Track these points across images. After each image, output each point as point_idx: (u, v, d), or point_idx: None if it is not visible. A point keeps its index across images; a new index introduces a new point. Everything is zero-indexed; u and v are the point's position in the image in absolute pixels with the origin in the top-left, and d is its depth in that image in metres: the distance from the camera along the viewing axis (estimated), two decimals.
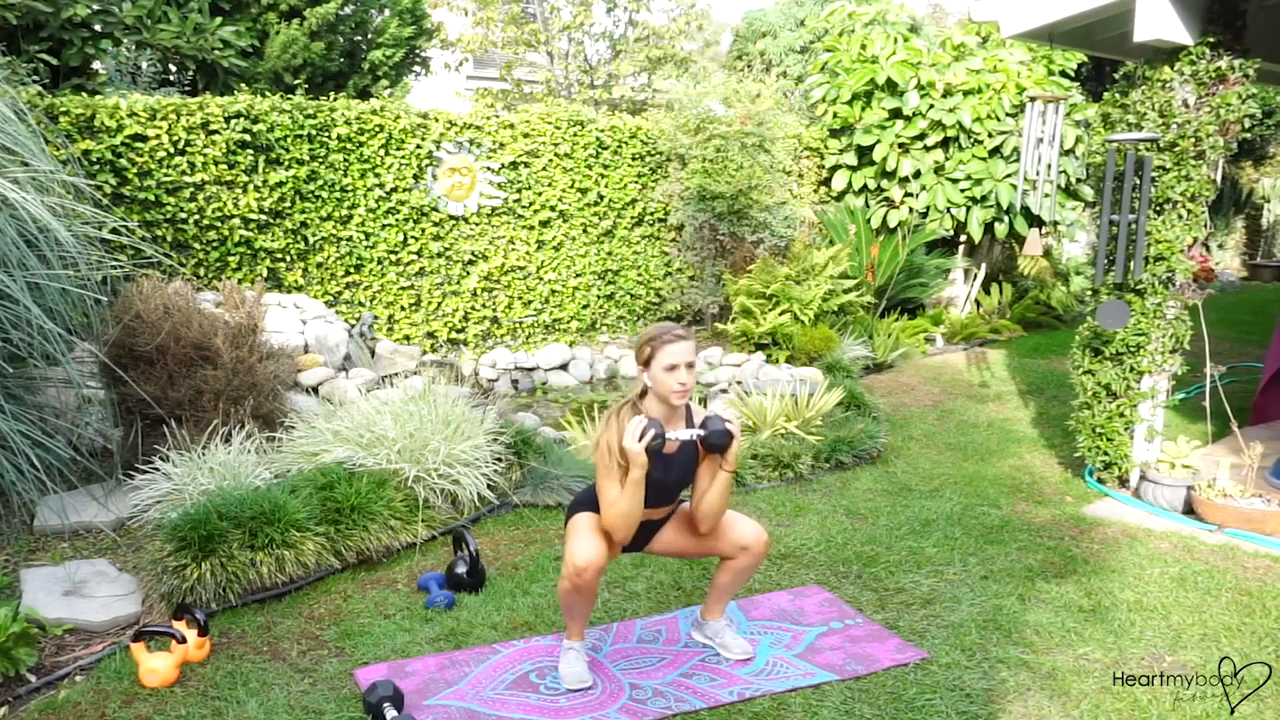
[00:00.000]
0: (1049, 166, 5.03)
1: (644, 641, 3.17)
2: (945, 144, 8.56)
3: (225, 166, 5.95)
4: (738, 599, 3.45)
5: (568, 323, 7.76)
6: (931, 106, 8.42)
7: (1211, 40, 4.17)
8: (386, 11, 9.25)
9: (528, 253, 7.44)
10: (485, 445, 4.29)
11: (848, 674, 2.94)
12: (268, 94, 6.36)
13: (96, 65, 7.16)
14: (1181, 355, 4.50)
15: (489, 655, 3.06)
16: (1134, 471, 4.56)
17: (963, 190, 8.44)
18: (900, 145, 8.61)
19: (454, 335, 7.23)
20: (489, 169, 7.10)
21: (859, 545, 3.94)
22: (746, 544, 2.93)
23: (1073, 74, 9.08)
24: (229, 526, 3.38)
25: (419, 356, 6.62)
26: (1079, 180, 8.72)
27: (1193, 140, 4.21)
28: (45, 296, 3.76)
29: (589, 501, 2.89)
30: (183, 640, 2.93)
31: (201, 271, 5.99)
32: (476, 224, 7.16)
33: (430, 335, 7.12)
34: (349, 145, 6.49)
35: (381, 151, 6.64)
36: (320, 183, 6.41)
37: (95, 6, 6.91)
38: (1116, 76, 4.68)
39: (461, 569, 3.51)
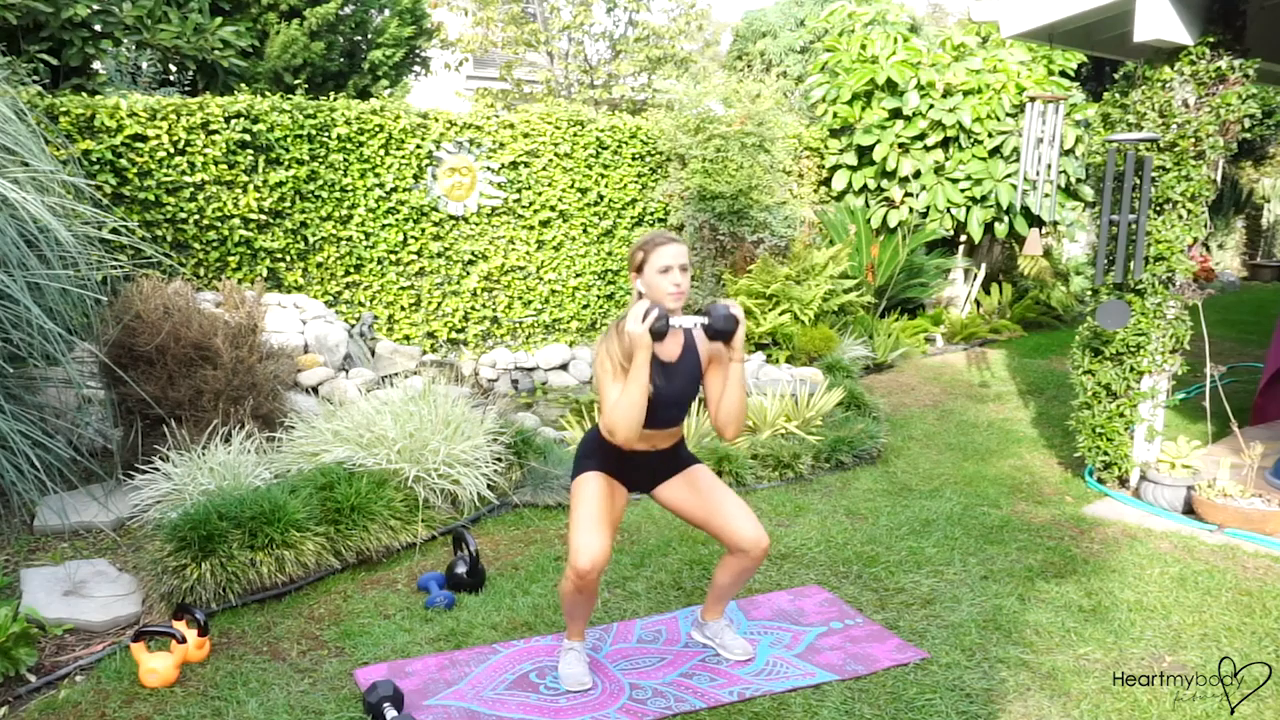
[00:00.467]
0: (1049, 166, 5.03)
1: (644, 641, 3.17)
2: (945, 144, 8.56)
3: (225, 166, 5.95)
4: (738, 599, 3.45)
5: (568, 323, 7.76)
6: (931, 106, 8.42)
7: (1211, 40, 4.17)
8: (386, 11, 9.25)
9: (528, 253, 7.44)
10: (485, 445, 4.29)
11: (848, 674, 2.94)
12: (268, 94, 6.36)
13: (96, 65, 7.16)
14: (1181, 355, 4.50)
15: (489, 655, 3.06)
16: (1134, 471, 4.56)
17: (963, 190, 8.44)
18: (900, 145, 8.61)
19: (454, 335, 7.23)
20: (489, 169, 7.10)
21: (859, 545, 3.94)
22: (744, 546, 2.85)
23: (1073, 74, 9.08)
24: (229, 526, 3.38)
25: (419, 356, 6.62)
26: (1079, 180, 8.72)
27: (1193, 140, 4.21)
28: (45, 296, 3.76)
29: (594, 448, 2.84)
30: (183, 640, 2.93)
31: (201, 271, 5.99)
32: (476, 224, 7.16)
33: (430, 335, 7.12)
34: (349, 145, 6.49)
35: (381, 151, 6.64)
36: (320, 183, 6.41)
37: (95, 6, 6.91)
38: (1116, 76, 4.68)
39: (461, 569, 3.51)
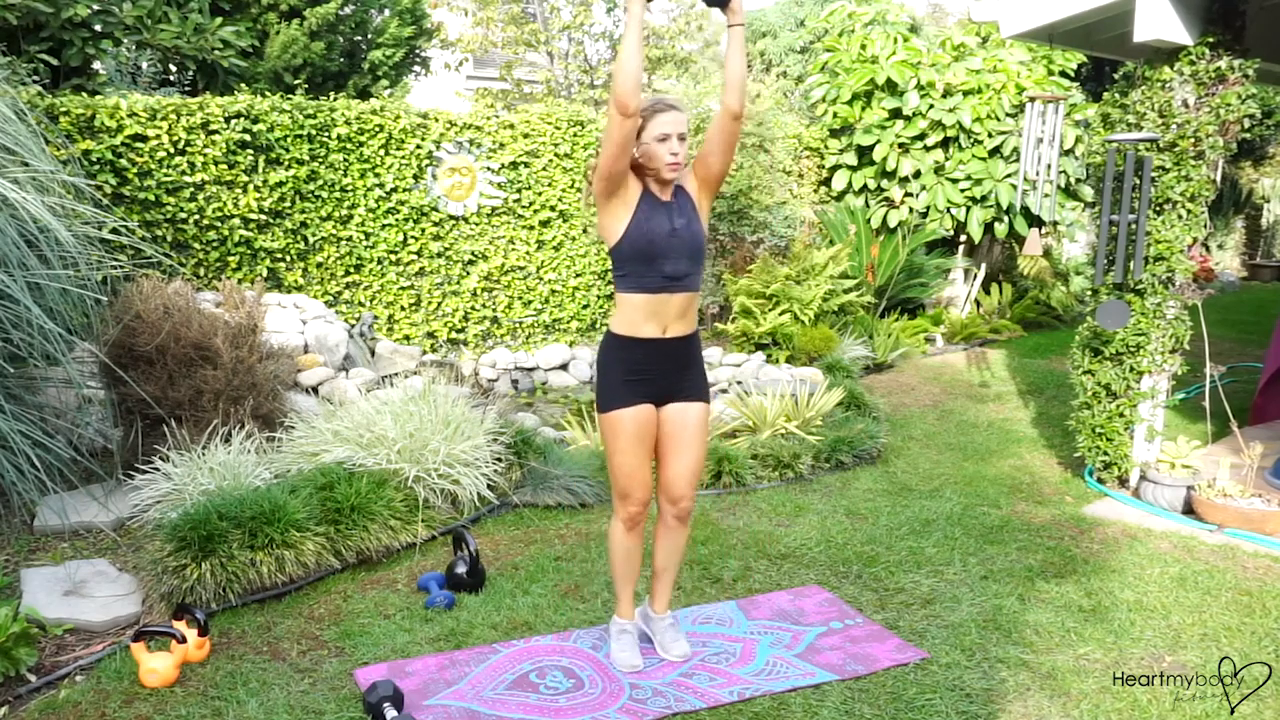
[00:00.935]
0: (1049, 166, 5.03)
1: (644, 641, 3.17)
2: (945, 144, 8.56)
3: (225, 166, 5.95)
4: (738, 599, 3.45)
5: (568, 323, 7.76)
6: (931, 106, 8.42)
7: (1211, 40, 4.17)
8: (386, 11, 9.25)
9: (528, 253, 7.44)
10: (485, 445, 4.29)
11: (848, 674, 2.94)
12: (268, 94, 6.36)
13: (96, 65, 7.16)
14: (1181, 355, 4.50)
15: (489, 655, 3.06)
16: (1134, 471, 4.56)
17: (963, 190, 8.44)
18: (900, 145, 8.61)
19: (454, 335, 7.23)
20: (489, 169, 7.10)
21: (859, 545, 3.94)
22: (669, 495, 2.88)
23: (1073, 74, 9.08)
24: (229, 526, 3.37)
25: (419, 356, 6.62)
26: (1079, 180, 8.72)
27: (1192, 140, 4.21)
28: (45, 296, 3.76)
29: (612, 359, 2.78)
30: (183, 640, 2.93)
31: (201, 271, 5.99)
32: (476, 224, 7.16)
33: (430, 335, 7.12)
34: (349, 145, 6.49)
35: (381, 151, 6.64)
36: (320, 183, 6.41)
37: (95, 7, 6.91)
38: (1116, 76, 4.68)
39: (461, 569, 3.51)
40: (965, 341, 8.42)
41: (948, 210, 8.52)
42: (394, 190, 6.73)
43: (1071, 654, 3.07)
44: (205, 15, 7.51)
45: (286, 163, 6.23)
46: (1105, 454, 4.60)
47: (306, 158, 6.31)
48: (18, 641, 2.88)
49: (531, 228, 7.43)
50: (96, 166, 5.46)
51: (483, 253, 7.24)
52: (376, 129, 6.58)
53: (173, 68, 7.43)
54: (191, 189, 5.85)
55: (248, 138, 6.00)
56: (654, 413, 2.84)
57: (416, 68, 9.92)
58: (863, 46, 9.02)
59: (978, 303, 9.31)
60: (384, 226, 6.72)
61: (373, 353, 6.36)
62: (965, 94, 8.43)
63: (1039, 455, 5.26)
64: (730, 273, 7.86)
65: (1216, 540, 4.00)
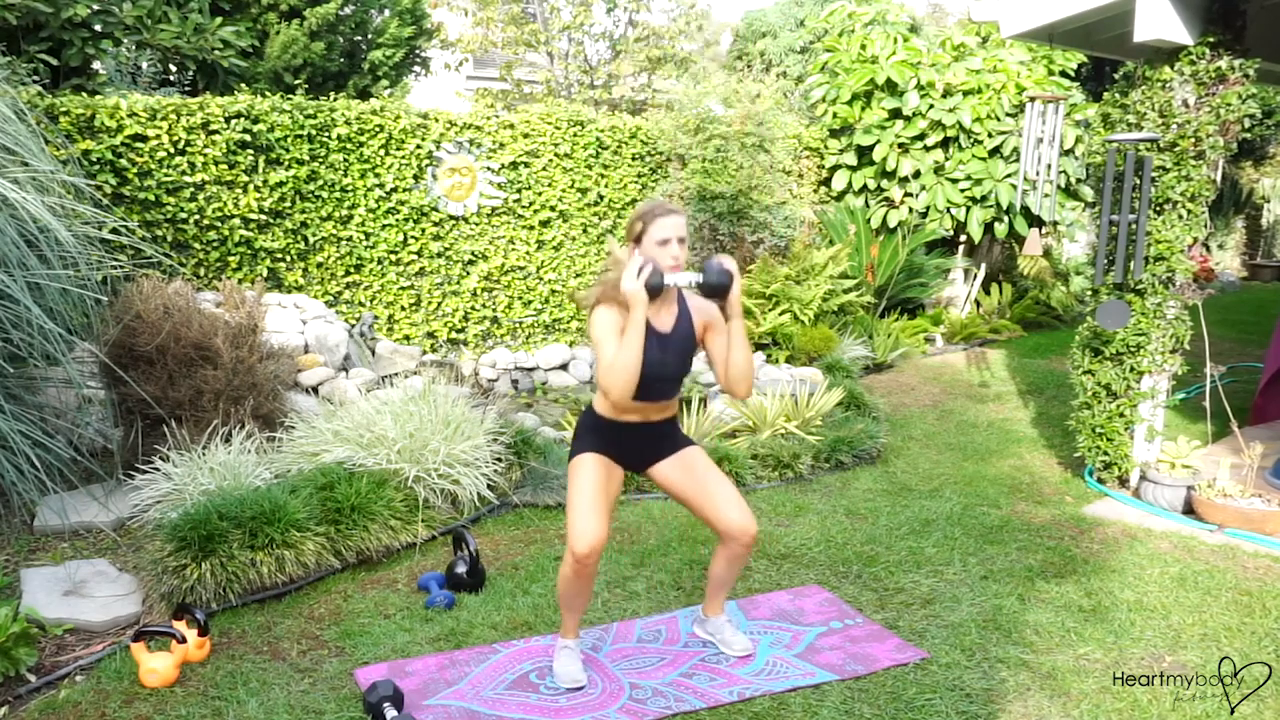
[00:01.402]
0: (1049, 166, 5.03)
1: (644, 641, 3.17)
2: (945, 144, 8.56)
3: (225, 166, 5.95)
4: (737, 599, 3.45)
5: (568, 323, 7.76)
6: (931, 106, 8.42)
7: (1211, 40, 4.17)
8: (386, 11, 9.25)
9: (528, 253, 7.44)
10: (485, 445, 4.29)
11: (847, 674, 2.94)
12: (268, 94, 6.36)
13: (96, 65, 7.16)
14: (1181, 355, 4.50)
15: (489, 655, 3.06)
16: (1134, 471, 4.57)
17: (963, 190, 8.44)
18: (900, 145, 8.61)
19: (454, 335, 7.23)
20: (489, 169, 7.10)
21: (859, 545, 3.94)
22: (732, 532, 2.86)
23: (1073, 74, 9.08)
24: (229, 526, 3.38)
25: (419, 356, 6.62)
26: (1079, 180, 8.72)
27: (1193, 140, 4.21)
28: (45, 296, 3.76)
29: (589, 426, 2.85)
30: (183, 640, 2.93)
31: (201, 271, 5.99)
32: (476, 224, 7.16)
33: (430, 335, 7.12)
34: (349, 145, 6.49)
35: (381, 151, 6.63)
36: (320, 183, 6.41)
37: (95, 6, 6.91)
38: (1116, 76, 4.68)
39: (461, 569, 3.51)
40: (965, 341, 8.42)
41: (948, 210, 8.52)
42: (394, 190, 6.73)
43: (1071, 654, 3.07)
44: (205, 15, 7.51)
45: (286, 163, 6.22)
46: (1105, 454, 4.60)
47: (306, 158, 6.31)
48: (18, 641, 2.88)
49: (531, 228, 7.43)
50: (96, 166, 5.46)
51: (483, 253, 7.24)
52: (376, 129, 6.58)
53: (173, 68, 7.43)
54: (191, 189, 5.85)
55: (248, 138, 6.00)
56: (620, 473, 2.89)
57: (416, 68, 9.92)
58: (863, 46, 9.02)
59: (978, 303, 9.31)
60: (384, 226, 6.72)
61: (373, 353, 6.36)
62: (965, 94, 8.43)
63: (1039, 455, 5.26)
64: None
65: (1216, 540, 4.00)
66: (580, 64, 11.40)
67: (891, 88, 8.62)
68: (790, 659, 3.04)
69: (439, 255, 7.03)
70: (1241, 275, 14.06)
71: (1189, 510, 4.28)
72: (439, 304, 7.11)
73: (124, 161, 5.58)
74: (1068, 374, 5.06)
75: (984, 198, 8.43)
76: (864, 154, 8.83)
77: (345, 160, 6.49)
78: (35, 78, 6.23)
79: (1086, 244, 10.24)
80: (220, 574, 3.30)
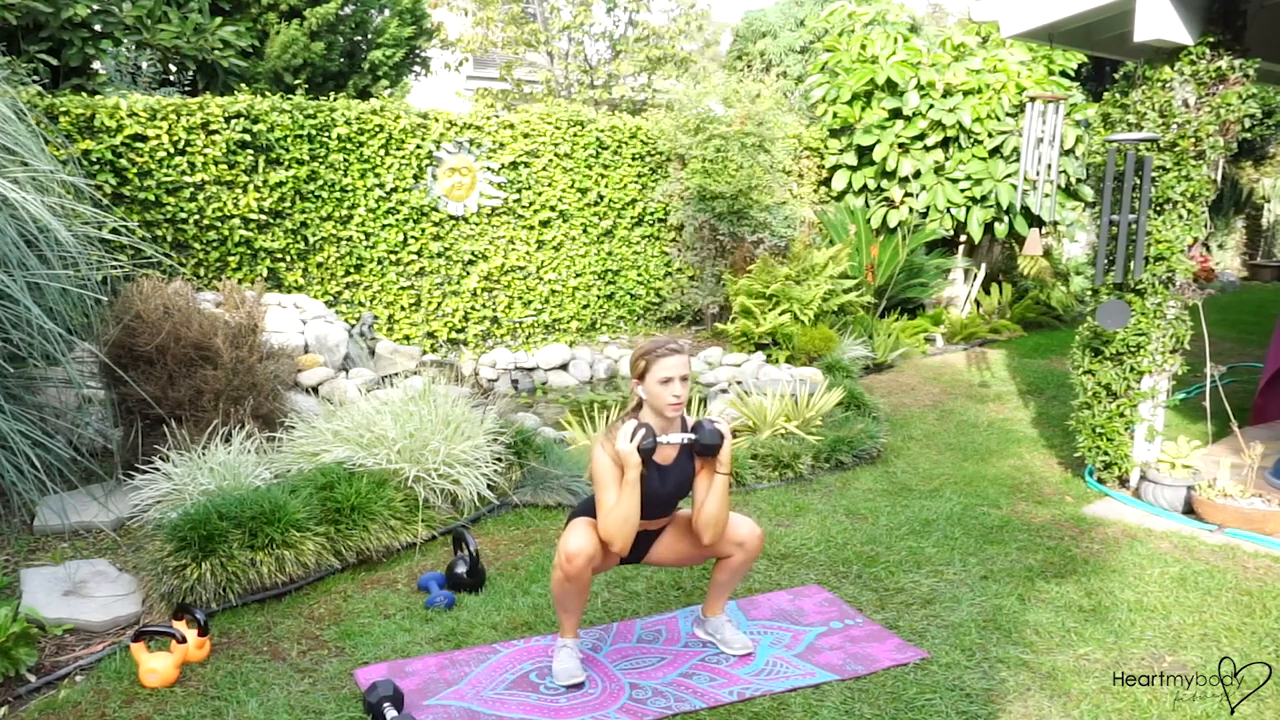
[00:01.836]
0: (1049, 166, 5.03)
1: (644, 641, 3.17)
2: (945, 144, 8.56)
3: (225, 166, 5.95)
4: (737, 598, 3.45)
5: (568, 323, 7.76)
6: (931, 106, 8.42)
7: (1211, 40, 4.17)
8: (386, 11, 9.25)
9: (528, 253, 7.44)
10: (485, 445, 4.29)
11: (847, 674, 2.94)
12: (268, 94, 6.36)
13: (96, 65, 7.16)
14: (1181, 355, 4.50)
15: (489, 655, 3.06)
16: (1134, 471, 4.56)
17: (963, 190, 8.44)
18: (900, 145, 8.61)
19: (454, 335, 7.23)
20: (489, 169, 7.10)
21: (859, 545, 3.94)
22: (741, 540, 2.97)
23: (1073, 74, 9.08)
24: (229, 526, 3.38)
25: (419, 356, 6.62)
26: (1079, 180, 8.72)
27: (1193, 140, 4.21)
28: (45, 296, 3.76)
29: (588, 510, 2.92)
30: (183, 640, 2.93)
31: (201, 271, 5.99)
32: (476, 224, 7.16)
33: (430, 335, 7.12)
34: (349, 145, 6.49)
35: (381, 151, 6.64)
36: (320, 183, 6.41)
37: (95, 6, 6.91)
38: (1116, 76, 4.68)
39: (461, 569, 3.51)
40: (965, 341, 8.42)
41: (948, 210, 8.52)
42: (394, 190, 6.73)
43: (1071, 654, 3.07)
44: (205, 15, 7.51)
45: (286, 163, 6.22)
46: (1105, 454, 4.59)
47: (306, 158, 6.31)
48: (18, 641, 2.88)
49: (531, 228, 7.43)
50: (96, 166, 5.46)
51: (483, 253, 7.24)
52: (376, 129, 6.58)
53: (173, 68, 7.43)
54: (191, 189, 5.85)
55: (248, 138, 6.00)
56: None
57: (416, 68, 9.92)
58: (863, 46, 9.02)
59: (978, 303, 9.31)
60: (384, 226, 6.72)
61: (373, 353, 6.36)
62: (965, 94, 8.43)
63: (1039, 455, 5.26)
64: (730, 273, 7.86)
65: (1217, 540, 4.00)
66: (580, 64, 11.40)
67: (891, 88, 8.62)
68: (790, 659, 3.04)
69: (439, 255, 7.03)
70: (1241, 275, 14.06)
71: (1189, 510, 4.28)
72: (439, 304, 7.11)
73: (124, 161, 5.59)
74: (1068, 374, 5.06)
75: (984, 198, 8.43)
76: (864, 154, 8.83)
77: (345, 160, 6.49)
78: (35, 78, 6.24)
79: (1086, 244, 10.25)
80: (220, 574, 3.30)
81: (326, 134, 6.39)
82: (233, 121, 5.95)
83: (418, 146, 6.76)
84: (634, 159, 7.93)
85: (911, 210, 8.58)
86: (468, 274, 7.19)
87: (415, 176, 6.80)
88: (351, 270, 6.66)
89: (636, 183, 7.96)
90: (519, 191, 7.32)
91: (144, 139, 5.66)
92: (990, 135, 8.30)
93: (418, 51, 9.78)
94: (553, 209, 7.50)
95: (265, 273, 6.23)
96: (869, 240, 8.28)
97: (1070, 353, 4.81)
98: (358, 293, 6.72)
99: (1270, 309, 10.41)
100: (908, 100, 8.46)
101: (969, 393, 6.72)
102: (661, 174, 8.11)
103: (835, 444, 4.96)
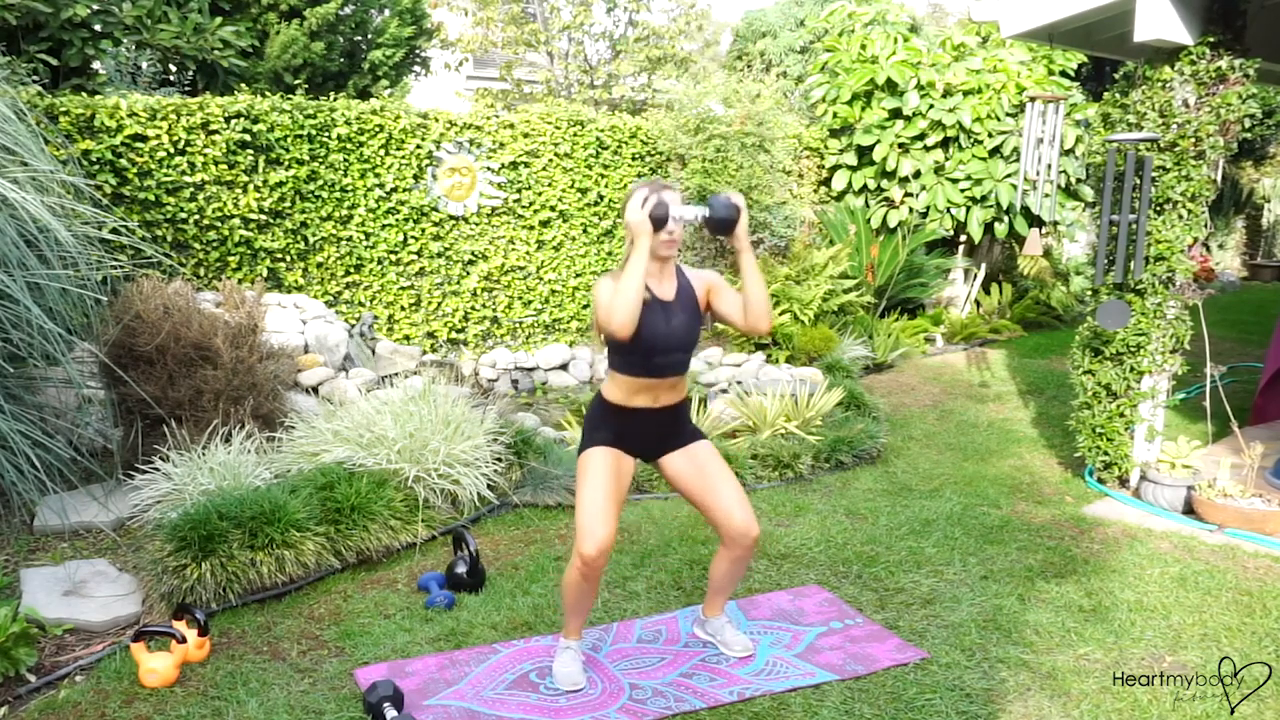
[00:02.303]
0: (1049, 166, 5.03)
1: (644, 641, 3.17)
2: (945, 144, 8.55)
3: (225, 166, 5.95)
4: (737, 599, 3.45)
5: (568, 323, 7.76)
6: (931, 106, 8.42)
7: (1211, 40, 4.17)
8: (386, 11, 9.25)
9: (528, 253, 7.44)
10: (485, 445, 4.29)
11: (847, 674, 2.94)
12: (268, 94, 6.36)
13: (96, 65, 7.15)
14: (1181, 355, 4.50)
15: (489, 655, 3.06)
16: (1134, 471, 4.56)
17: (963, 190, 8.44)
18: (900, 145, 8.60)
19: (454, 335, 7.23)
20: (489, 169, 7.10)
21: (859, 545, 3.94)
22: (732, 532, 2.86)
23: (1073, 74, 9.08)
24: (229, 526, 3.38)
25: (419, 356, 6.62)
26: (1079, 180, 8.72)
27: (1193, 140, 4.21)
28: (45, 296, 3.76)
29: (599, 415, 2.83)
30: (183, 640, 2.93)
31: (201, 271, 5.99)
32: (476, 224, 7.16)
33: (430, 335, 7.12)
34: (349, 145, 6.49)
35: (381, 151, 6.63)
36: (320, 183, 6.40)
37: (95, 7, 6.91)
38: (1116, 76, 4.68)
39: (461, 569, 3.51)
40: (965, 341, 8.42)
41: (948, 210, 8.52)
42: (394, 190, 6.73)
43: (1071, 654, 3.07)
44: (205, 15, 7.51)
45: (286, 163, 6.22)
46: (1105, 454, 4.59)
47: (306, 158, 6.31)
48: (18, 641, 2.88)
49: (531, 228, 7.43)
50: (96, 166, 5.46)
51: (483, 253, 7.24)
52: (376, 129, 6.58)
53: (173, 68, 7.43)
54: (191, 189, 5.85)
55: (248, 138, 6.00)
56: (632, 464, 2.88)
57: (416, 68, 9.92)
58: (863, 46, 9.02)
59: (978, 303, 9.31)
60: (384, 226, 6.72)
61: (373, 353, 6.36)
62: (965, 94, 8.43)
63: (1039, 455, 5.25)
64: (730, 273, 7.86)
65: (1217, 540, 4.00)
66: (580, 64, 11.40)
67: (891, 88, 8.62)
68: (790, 659, 3.04)
69: (439, 255, 7.03)
70: (1241, 275, 14.06)
71: (1189, 510, 4.28)
72: (439, 304, 7.10)
73: (124, 161, 5.58)
74: (1068, 374, 5.05)
75: (984, 198, 8.42)
76: (864, 154, 8.83)
77: (345, 160, 6.49)
78: (35, 78, 6.23)
79: (1086, 244, 10.24)
80: (220, 574, 3.30)
81: (326, 134, 6.38)
82: (233, 121, 5.95)
83: (418, 146, 6.76)
84: (634, 159, 7.93)
85: (911, 210, 8.58)
86: (468, 274, 7.18)
87: (415, 176, 6.80)
88: (351, 270, 6.66)
89: (637, 183, 7.96)
90: (519, 191, 7.32)
91: (144, 139, 5.66)
92: (990, 135, 8.30)
93: (418, 51, 9.78)
94: (553, 209, 7.50)
95: (265, 273, 6.23)
96: (869, 240, 8.28)
97: (1070, 353, 4.81)
98: (358, 293, 6.72)
99: (1270, 309, 10.41)
100: (908, 100, 8.46)
101: (969, 393, 6.72)
102: (662, 174, 8.10)
103: (835, 444, 4.96)
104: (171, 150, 5.73)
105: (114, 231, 4.83)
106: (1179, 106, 4.25)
